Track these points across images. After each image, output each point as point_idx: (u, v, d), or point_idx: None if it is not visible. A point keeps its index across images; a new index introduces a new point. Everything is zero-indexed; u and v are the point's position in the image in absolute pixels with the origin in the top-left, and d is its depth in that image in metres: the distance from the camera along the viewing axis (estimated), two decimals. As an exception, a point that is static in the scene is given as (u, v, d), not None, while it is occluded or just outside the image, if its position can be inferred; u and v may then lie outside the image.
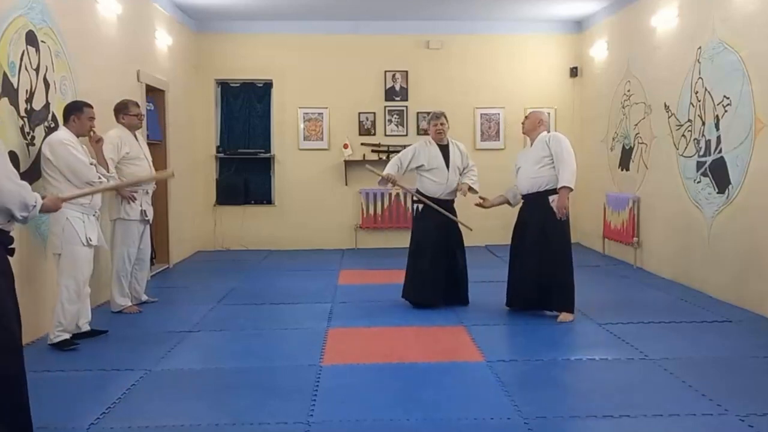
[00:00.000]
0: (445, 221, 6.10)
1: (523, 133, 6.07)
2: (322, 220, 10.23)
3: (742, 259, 6.12)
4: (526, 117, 6.15)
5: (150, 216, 6.32)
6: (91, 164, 5.14)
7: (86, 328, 5.25)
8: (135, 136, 6.21)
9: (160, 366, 4.61)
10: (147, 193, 6.29)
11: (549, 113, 10.38)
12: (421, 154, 6.13)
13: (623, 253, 8.72)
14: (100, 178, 5.16)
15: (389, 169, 6.17)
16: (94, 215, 5.22)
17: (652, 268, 7.91)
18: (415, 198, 6.29)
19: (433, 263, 6.04)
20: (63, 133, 5.11)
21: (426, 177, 6.16)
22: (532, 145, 5.92)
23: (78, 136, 5.18)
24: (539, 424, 3.57)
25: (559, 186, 5.60)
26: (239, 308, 6.40)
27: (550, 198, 5.66)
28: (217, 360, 4.95)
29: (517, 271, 5.89)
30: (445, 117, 6.23)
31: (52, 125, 5.46)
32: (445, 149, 6.17)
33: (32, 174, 5.06)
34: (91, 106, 5.29)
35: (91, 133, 5.34)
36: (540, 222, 5.68)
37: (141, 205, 6.15)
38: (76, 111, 5.19)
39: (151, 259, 8.13)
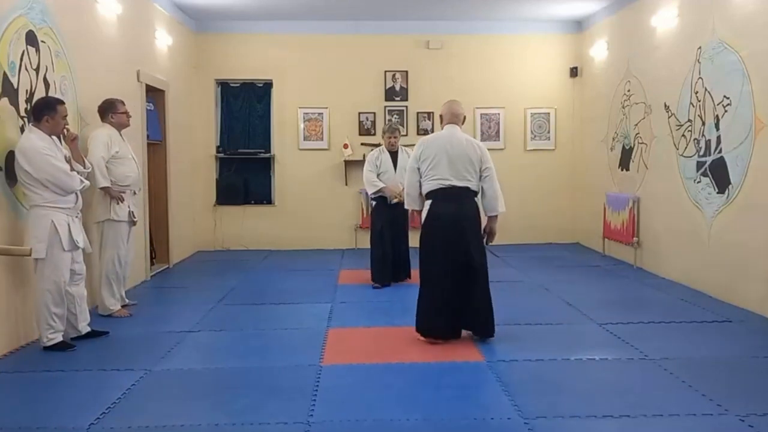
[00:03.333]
0: (392, 215, 7.27)
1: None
2: (322, 220, 10.23)
3: (742, 259, 6.12)
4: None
5: (137, 217, 6.24)
6: (72, 170, 4.98)
7: (86, 330, 5.22)
8: (121, 135, 6.09)
9: (160, 366, 4.61)
10: (134, 193, 6.23)
11: (549, 113, 10.42)
12: (378, 160, 7.36)
13: (623, 253, 8.72)
14: (82, 182, 5.05)
15: (376, 184, 7.26)
16: (77, 217, 5.11)
17: (652, 268, 7.91)
18: (373, 196, 7.41)
19: (383, 249, 7.28)
20: (38, 140, 4.81)
21: (380, 179, 7.32)
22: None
23: (51, 136, 4.93)
24: (539, 424, 3.57)
25: None
26: (239, 308, 6.40)
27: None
28: (217, 360, 4.95)
29: None
30: (399, 131, 7.64)
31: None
32: (395, 155, 7.41)
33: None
34: (63, 103, 5.05)
35: (65, 131, 5.11)
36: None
37: (129, 206, 6.05)
38: (49, 111, 4.89)
39: (151, 259, 8.15)
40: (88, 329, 5.24)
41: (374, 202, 7.47)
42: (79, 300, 5.16)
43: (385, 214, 7.34)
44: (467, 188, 5.08)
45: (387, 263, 7.31)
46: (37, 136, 4.85)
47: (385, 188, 7.25)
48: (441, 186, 5.06)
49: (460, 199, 5.05)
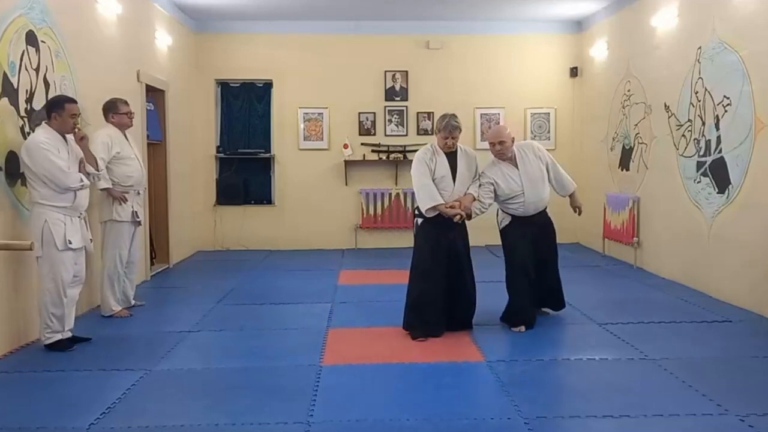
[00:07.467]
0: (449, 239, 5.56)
1: (505, 152, 5.55)
2: (322, 220, 10.22)
3: (742, 259, 6.12)
4: (503, 141, 5.55)
5: (141, 217, 6.19)
6: (72, 169, 4.95)
7: (68, 335, 5.05)
8: (125, 135, 6.06)
9: (160, 366, 4.61)
10: (138, 193, 6.17)
11: (549, 113, 10.42)
12: (433, 162, 5.37)
13: (623, 253, 8.72)
14: (82, 180, 5.00)
15: (435, 196, 5.25)
16: (78, 217, 5.07)
17: (652, 268, 7.91)
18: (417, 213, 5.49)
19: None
20: (42, 135, 4.85)
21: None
22: (517, 161, 5.65)
23: (60, 134, 4.94)
24: (539, 424, 3.57)
25: (572, 190, 6.24)
26: (239, 308, 6.40)
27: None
28: (217, 360, 4.94)
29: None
30: (459, 130, 5.42)
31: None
32: (452, 157, 5.43)
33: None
34: (74, 102, 5.06)
35: (75, 130, 5.07)
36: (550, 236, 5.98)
37: (132, 206, 6.02)
38: (57, 108, 4.92)
39: (151, 259, 8.14)
40: (70, 335, 5.06)
41: (420, 220, 5.40)
42: (70, 303, 5.09)
43: (439, 238, 5.33)
44: None
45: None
46: (43, 131, 4.89)
47: (442, 205, 5.23)
48: None
49: None
